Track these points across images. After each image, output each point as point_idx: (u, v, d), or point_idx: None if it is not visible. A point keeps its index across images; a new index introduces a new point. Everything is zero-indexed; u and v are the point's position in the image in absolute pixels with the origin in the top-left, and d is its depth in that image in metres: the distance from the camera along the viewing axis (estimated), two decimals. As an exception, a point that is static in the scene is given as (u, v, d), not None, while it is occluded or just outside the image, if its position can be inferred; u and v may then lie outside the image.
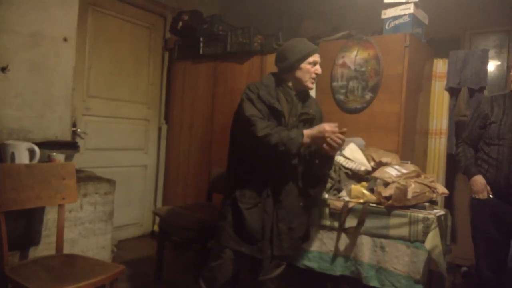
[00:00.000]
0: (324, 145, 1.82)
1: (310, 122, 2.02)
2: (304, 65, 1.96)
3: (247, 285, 2.50)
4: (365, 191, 2.24)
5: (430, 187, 2.19)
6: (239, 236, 1.94)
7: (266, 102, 1.91)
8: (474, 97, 2.95)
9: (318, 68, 1.99)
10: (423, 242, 2.00)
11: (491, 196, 2.26)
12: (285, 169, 1.95)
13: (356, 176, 2.41)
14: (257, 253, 1.94)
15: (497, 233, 2.25)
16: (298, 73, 1.97)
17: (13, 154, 2.02)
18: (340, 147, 1.84)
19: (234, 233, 1.94)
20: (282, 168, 1.94)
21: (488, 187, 2.27)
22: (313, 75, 1.99)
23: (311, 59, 1.97)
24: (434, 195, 2.21)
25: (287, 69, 1.99)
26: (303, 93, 2.04)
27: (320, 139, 1.81)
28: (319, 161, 2.00)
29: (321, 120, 2.12)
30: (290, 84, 2.01)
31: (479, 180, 2.29)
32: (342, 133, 1.80)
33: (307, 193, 2.07)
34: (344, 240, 2.23)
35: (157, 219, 3.61)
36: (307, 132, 1.84)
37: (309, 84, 2.00)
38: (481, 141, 2.36)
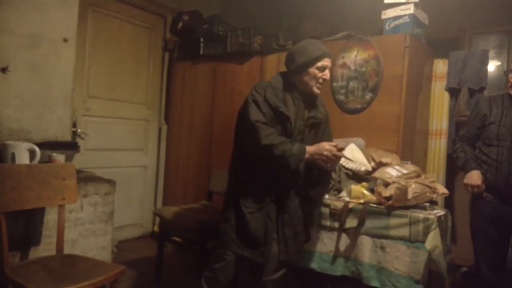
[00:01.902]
0: (320, 161, 1.88)
1: (317, 126, 2.00)
2: (312, 70, 1.90)
3: (247, 286, 2.50)
4: (365, 192, 2.24)
5: (430, 188, 2.19)
6: (241, 240, 1.93)
7: (272, 105, 1.88)
8: (474, 98, 2.94)
9: (326, 74, 1.93)
10: (423, 242, 2.00)
11: (490, 195, 2.25)
12: (287, 172, 1.93)
13: (356, 177, 2.41)
14: (259, 258, 1.94)
15: (496, 233, 2.25)
16: (305, 78, 1.92)
17: (13, 155, 2.01)
18: (335, 164, 1.92)
19: (236, 237, 1.94)
20: (284, 170, 1.92)
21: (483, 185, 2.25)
22: (320, 80, 1.93)
23: (319, 63, 1.89)
24: (434, 196, 2.21)
25: (294, 71, 1.94)
26: (311, 96, 1.99)
27: (318, 155, 1.85)
28: (317, 172, 2.03)
29: (327, 123, 2.10)
30: (297, 87, 1.96)
31: (476, 174, 2.26)
32: (339, 150, 1.85)
33: (309, 195, 2.07)
34: (344, 240, 2.22)
35: (157, 220, 3.61)
36: (309, 149, 1.85)
37: (315, 90, 1.94)
38: (479, 141, 2.35)
